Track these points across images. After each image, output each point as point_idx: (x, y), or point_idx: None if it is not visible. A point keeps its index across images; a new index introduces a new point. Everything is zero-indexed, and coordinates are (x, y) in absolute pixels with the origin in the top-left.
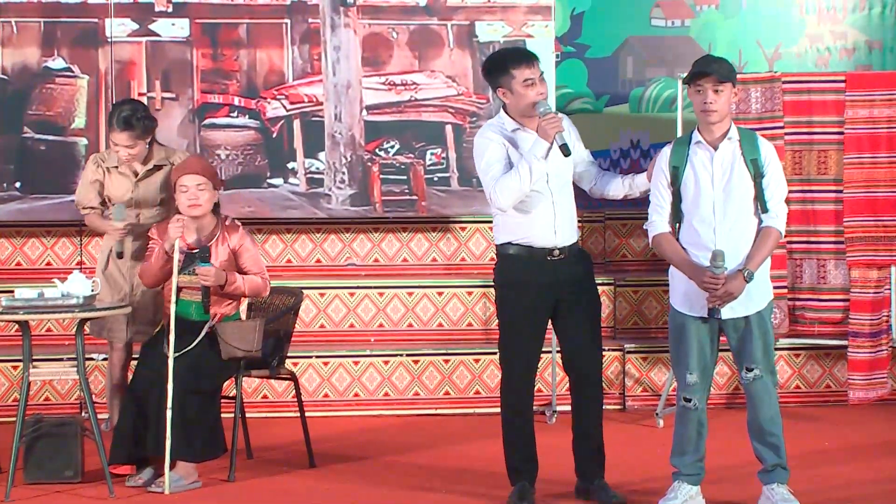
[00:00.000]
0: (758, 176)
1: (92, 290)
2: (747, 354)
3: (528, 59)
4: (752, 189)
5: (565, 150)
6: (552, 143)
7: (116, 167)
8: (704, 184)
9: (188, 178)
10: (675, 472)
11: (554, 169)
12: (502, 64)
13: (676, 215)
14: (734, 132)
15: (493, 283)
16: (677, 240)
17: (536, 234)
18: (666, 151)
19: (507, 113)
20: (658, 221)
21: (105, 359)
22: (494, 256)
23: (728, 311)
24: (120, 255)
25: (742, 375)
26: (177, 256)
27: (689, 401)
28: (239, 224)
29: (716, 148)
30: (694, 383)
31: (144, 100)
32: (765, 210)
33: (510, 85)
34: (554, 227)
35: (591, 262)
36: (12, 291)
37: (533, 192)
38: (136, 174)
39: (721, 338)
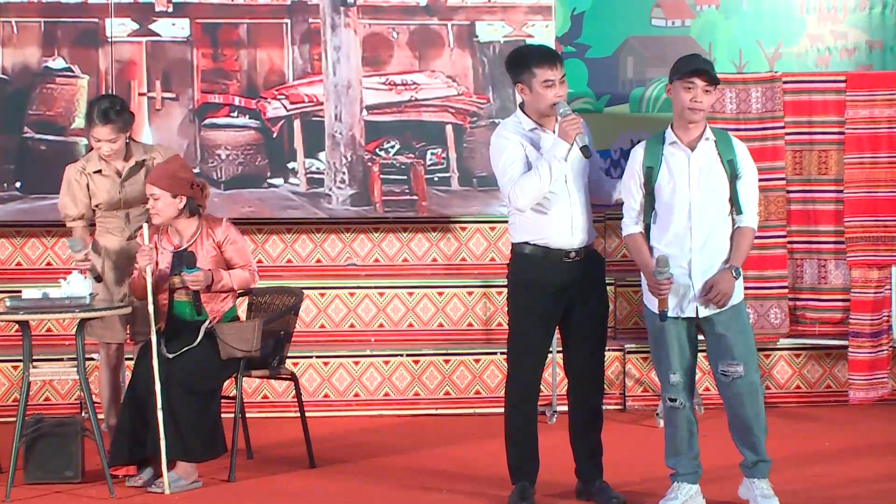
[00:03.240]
0: (734, 177)
1: (91, 291)
2: (726, 352)
3: (552, 59)
4: (727, 190)
5: (586, 152)
6: (572, 144)
7: (99, 171)
8: (681, 185)
9: (148, 188)
10: (673, 473)
11: (572, 170)
12: (526, 61)
13: (650, 215)
14: (710, 132)
15: (505, 281)
16: (649, 239)
17: (554, 235)
18: (639, 151)
19: (524, 111)
20: (629, 222)
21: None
22: (509, 254)
23: (705, 310)
24: (98, 279)
25: (721, 371)
26: (150, 279)
27: (675, 400)
28: (222, 218)
29: (692, 148)
30: (677, 383)
31: (145, 100)
32: (739, 211)
33: (530, 83)
34: (571, 227)
35: (603, 265)
36: (19, 292)
37: (551, 192)
38: (119, 174)
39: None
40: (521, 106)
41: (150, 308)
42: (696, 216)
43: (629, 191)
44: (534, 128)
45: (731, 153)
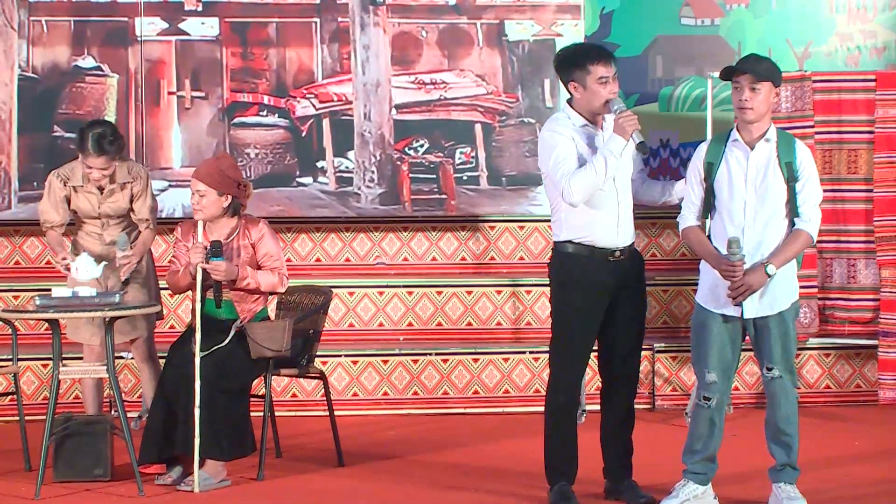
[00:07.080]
0: (791, 179)
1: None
2: (766, 354)
3: (607, 57)
4: (784, 192)
5: (643, 149)
6: (629, 140)
7: (82, 186)
8: (738, 183)
9: (194, 183)
10: (684, 469)
11: (621, 168)
12: (580, 58)
13: (708, 211)
14: (772, 133)
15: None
16: (708, 235)
17: (600, 233)
18: (703, 147)
19: (572, 107)
20: (688, 215)
21: (133, 358)
22: (550, 255)
23: (751, 311)
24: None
25: (763, 374)
26: (200, 277)
27: (709, 399)
28: (260, 219)
29: (752, 148)
30: (712, 382)
31: (174, 99)
32: (796, 214)
33: (585, 80)
34: (617, 226)
35: (643, 264)
36: (49, 290)
37: (600, 190)
38: (101, 190)
39: (747, 337)
40: (570, 102)
41: (198, 305)
42: (750, 215)
43: (690, 185)
44: (584, 124)
45: (790, 156)
